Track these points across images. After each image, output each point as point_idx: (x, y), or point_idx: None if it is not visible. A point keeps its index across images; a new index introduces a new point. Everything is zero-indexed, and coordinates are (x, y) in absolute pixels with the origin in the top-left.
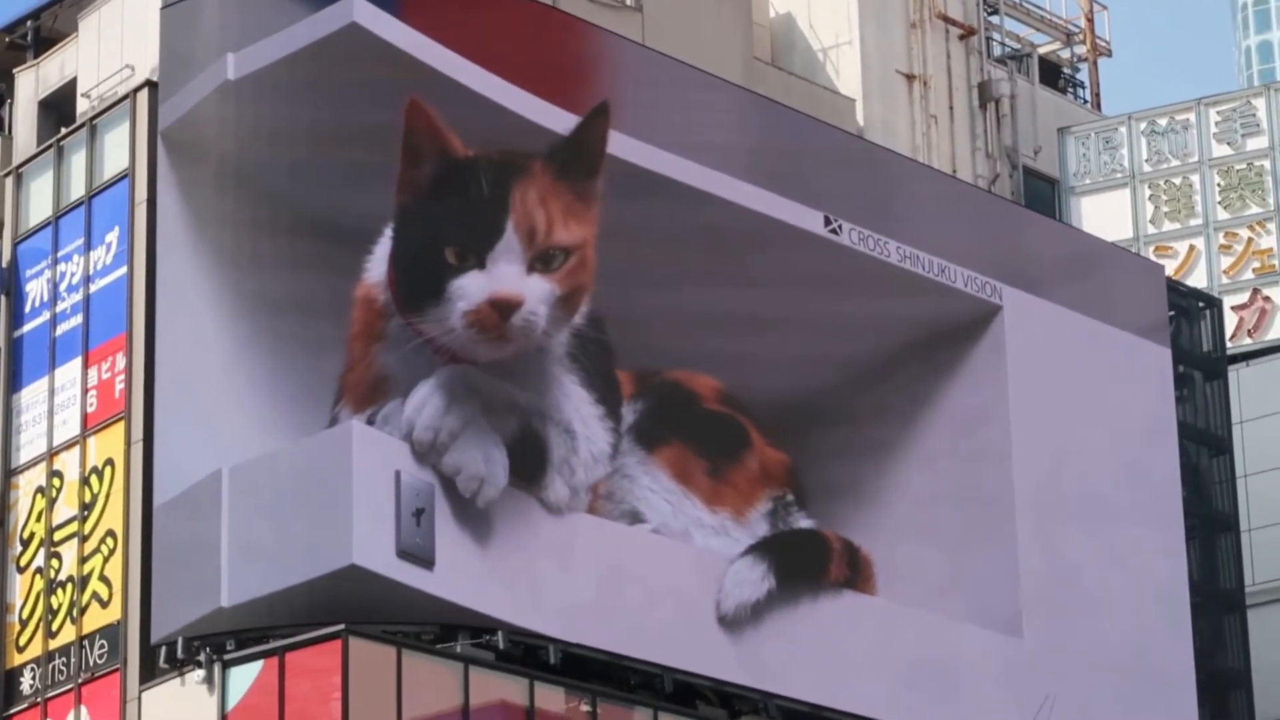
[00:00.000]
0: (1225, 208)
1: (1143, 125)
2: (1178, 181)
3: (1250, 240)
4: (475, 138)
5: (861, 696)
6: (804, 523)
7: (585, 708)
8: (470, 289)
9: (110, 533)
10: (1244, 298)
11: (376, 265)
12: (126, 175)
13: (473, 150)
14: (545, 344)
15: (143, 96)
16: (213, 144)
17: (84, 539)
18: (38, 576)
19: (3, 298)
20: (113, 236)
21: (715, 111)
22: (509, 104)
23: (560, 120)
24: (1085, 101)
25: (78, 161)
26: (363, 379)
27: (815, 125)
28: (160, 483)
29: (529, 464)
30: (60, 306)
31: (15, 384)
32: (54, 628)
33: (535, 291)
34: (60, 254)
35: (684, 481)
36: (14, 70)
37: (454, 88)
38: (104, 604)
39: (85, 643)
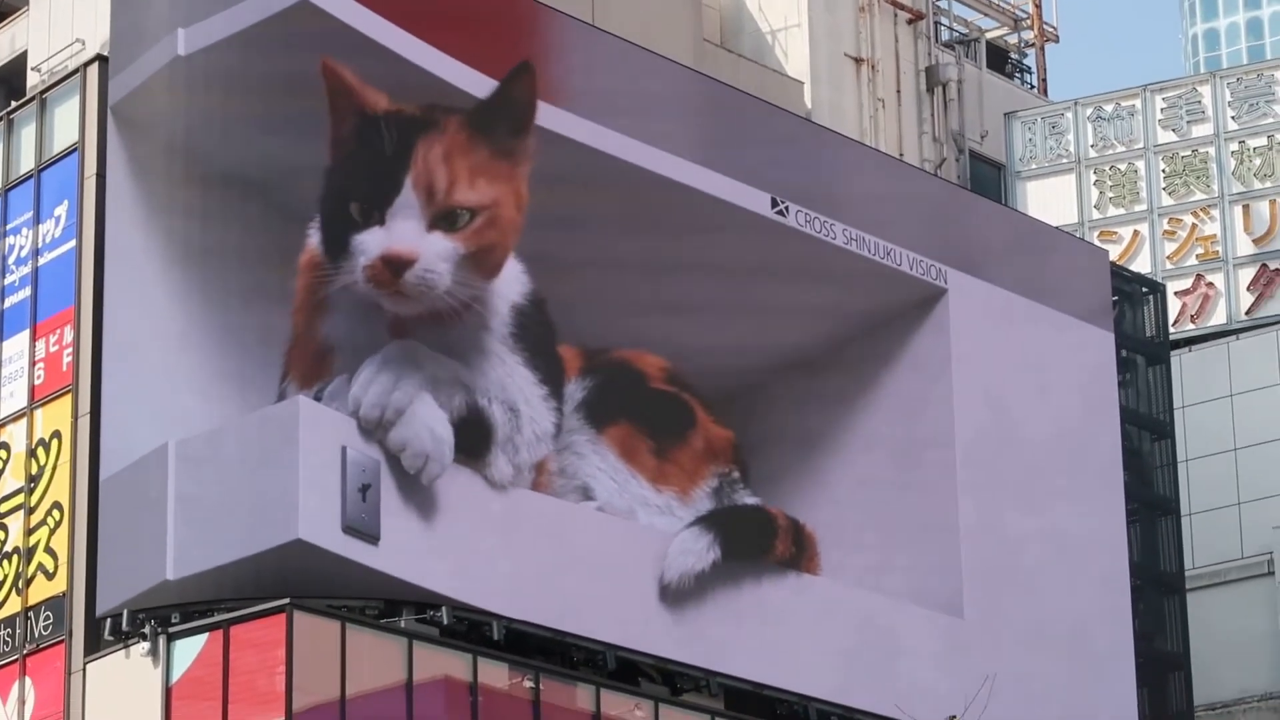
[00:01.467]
0: (1170, 194)
1: (1089, 111)
2: (1123, 167)
3: (1194, 226)
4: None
5: (803, 675)
6: (749, 499)
7: (528, 684)
8: (369, 244)
9: (56, 505)
10: (1187, 283)
11: (318, 231)
12: (76, 149)
13: (394, 106)
14: (485, 320)
15: (93, 71)
16: (163, 119)
17: (30, 511)
18: None
19: None
20: (61, 210)
21: (664, 92)
22: (460, 84)
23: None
24: (1032, 87)
25: (27, 135)
26: (307, 351)
27: (763, 107)
28: (107, 456)
29: (474, 441)
30: (8, 279)
31: None
32: None
33: (434, 249)
34: (9, 226)
35: (630, 460)
36: None
37: (400, 63)
38: (49, 576)
39: (30, 614)
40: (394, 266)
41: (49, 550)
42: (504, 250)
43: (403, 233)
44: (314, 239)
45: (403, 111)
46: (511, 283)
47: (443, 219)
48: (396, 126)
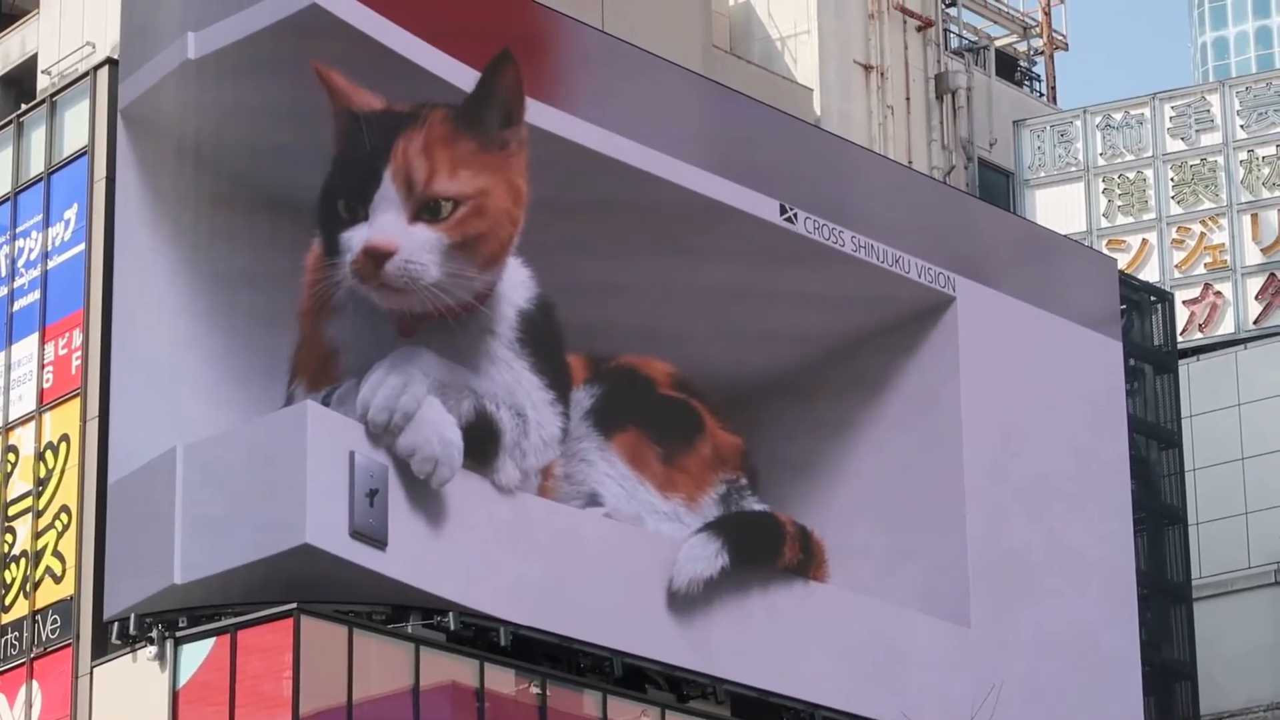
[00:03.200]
0: (1178, 202)
1: (1098, 119)
2: (1131, 176)
3: (1203, 235)
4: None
5: (810, 683)
6: (756, 506)
7: (535, 690)
8: (354, 240)
9: (64, 508)
10: (1195, 292)
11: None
12: (86, 152)
13: (380, 105)
14: (492, 326)
15: (103, 74)
16: (172, 122)
17: (38, 514)
18: None
19: None
20: (71, 213)
21: (673, 98)
22: (468, 87)
23: None
24: (1041, 95)
25: (37, 138)
26: (314, 354)
27: (772, 114)
28: (115, 459)
29: (481, 446)
30: (18, 282)
31: None
32: (7, 602)
33: (416, 240)
34: (19, 229)
35: (638, 468)
36: None
37: (413, 70)
38: (57, 579)
39: (38, 617)
40: (375, 258)
41: (57, 554)
42: (498, 241)
43: (383, 225)
44: (319, 240)
45: (389, 110)
46: (518, 287)
47: (424, 209)
48: (379, 124)
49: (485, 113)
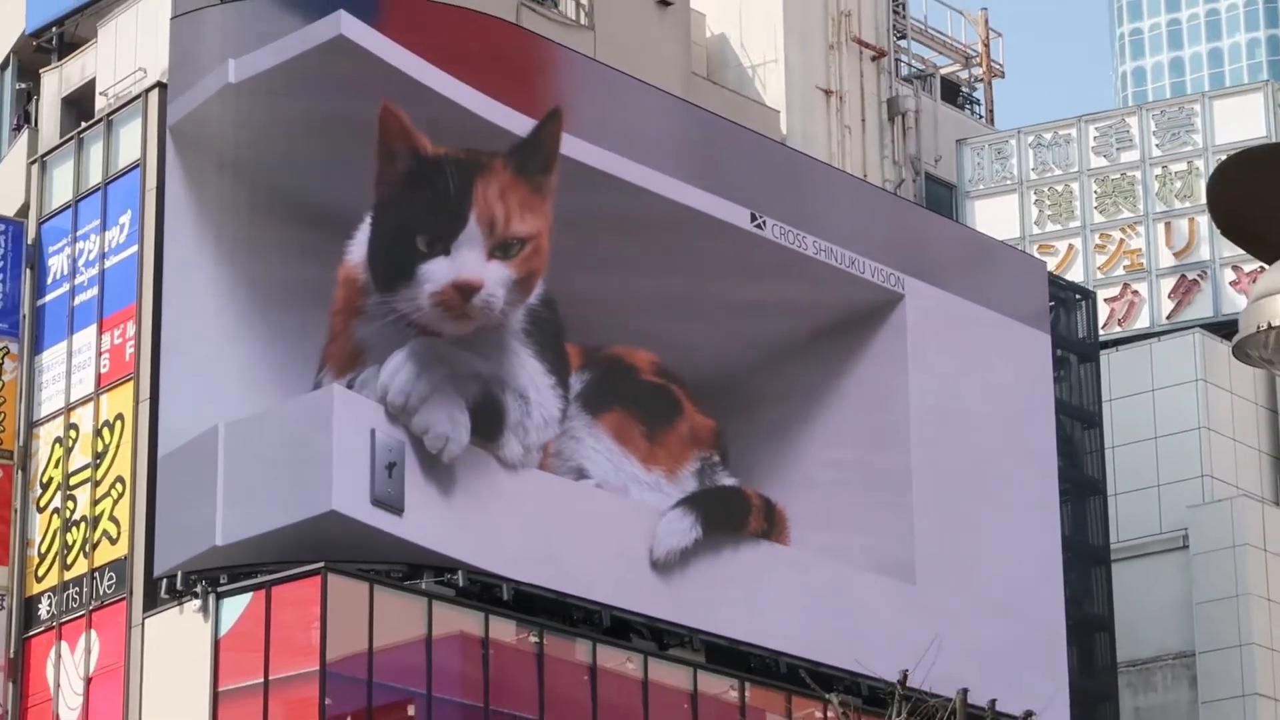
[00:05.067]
0: (1101, 212)
1: (1030, 138)
2: (1060, 188)
3: (1122, 241)
4: (443, 136)
5: (774, 633)
6: (727, 481)
7: (533, 639)
8: (437, 273)
9: (119, 479)
10: (1115, 291)
11: (357, 249)
12: (138, 165)
13: (441, 149)
14: (503, 321)
15: (154, 96)
16: (215, 139)
17: (96, 484)
18: (55, 516)
19: (29, 271)
20: (125, 219)
21: (657, 119)
22: (474, 108)
23: (519, 123)
24: (980, 117)
25: (95, 152)
26: (343, 349)
27: (744, 133)
28: (164, 436)
29: (488, 425)
30: (79, 279)
31: (38, 347)
32: (69, 561)
33: (494, 276)
34: (79, 233)
35: (623, 443)
36: (40, 71)
37: (426, 93)
38: (113, 541)
39: (96, 575)
40: (464, 292)
41: (113, 519)
42: (541, 273)
43: (467, 262)
44: (352, 256)
45: (449, 155)
46: None
47: (500, 248)
48: (456, 168)
49: (533, 160)
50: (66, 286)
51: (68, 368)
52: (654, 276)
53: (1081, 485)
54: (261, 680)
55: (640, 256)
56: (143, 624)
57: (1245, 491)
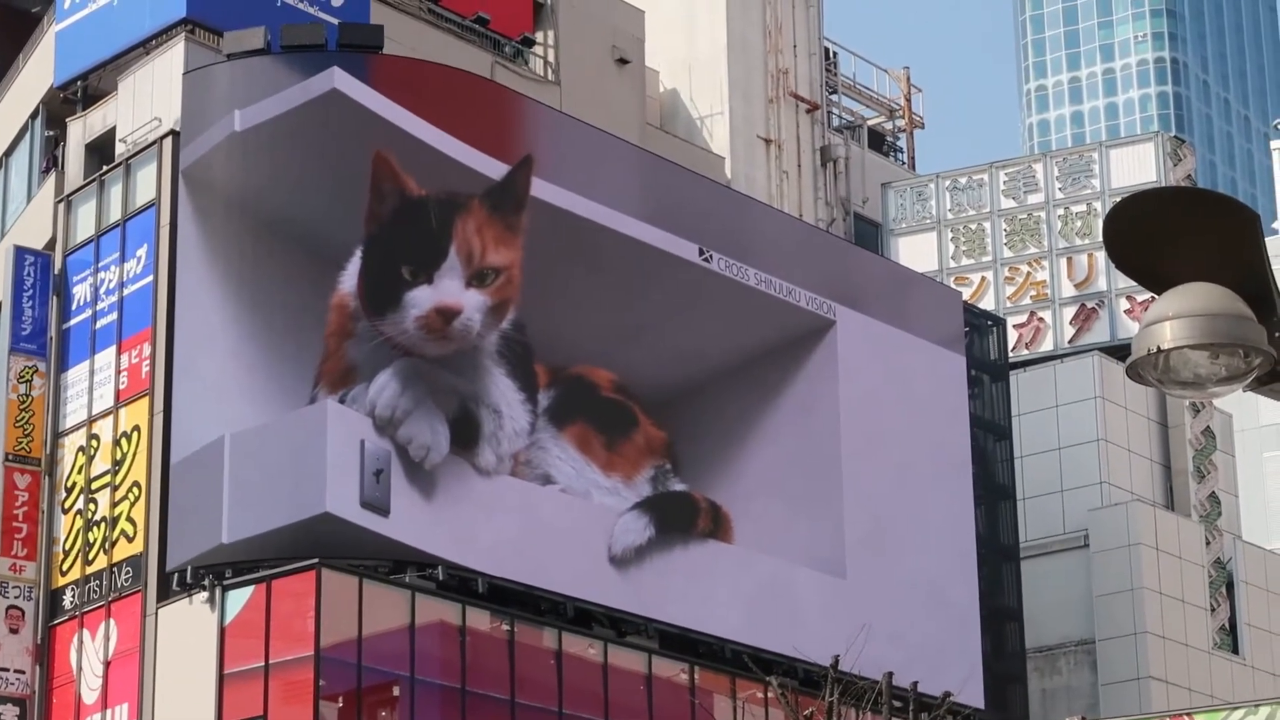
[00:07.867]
0: (1010, 248)
1: (947, 182)
2: (974, 227)
3: (1029, 274)
4: (426, 179)
5: (720, 622)
6: (678, 486)
7: (505, 628)
8: (421, 299)
9: (136, 484)
10: (1023, 318)
11: (349, 278)
12: (154, 204)
13: (425, 190)
14: (479, 344)
15: (168, 143)
16: (222, 181)
17: (115, 488)
18: (78, 517)
19: (55, 298)
20: (142, 252)
21: (616, 164)
22: (454, 154)
23: (494, 168)
24: (903, 163)
25: (115, 193)
26: (336, 367)
27: (693, 177)
28: (176, 445)
29: (465, 436)
30: (100, 305)
31: (63, 365)
32: (90, 557)
33: (472, 302)
34: (100, 265)
35: (585, 453)
36: (67, 120)
37: (411, 140)
38: (130, 539)
39: (114, 569)
40: (445, 315)
41: (130, 519)
42: (514, 301)
43: (448, 289)
44: (344, 285)
45: (432, 195)
46: None
47: (477, 278)
48: (438, 206)
49: (507, 201)
50: (89, 312)
51: (90, 384)
52: (613, 304)
53: (993, 490)
54: (262, 664)
55: (601, 286)
56: (156, 613)
57: (1139, 496)
